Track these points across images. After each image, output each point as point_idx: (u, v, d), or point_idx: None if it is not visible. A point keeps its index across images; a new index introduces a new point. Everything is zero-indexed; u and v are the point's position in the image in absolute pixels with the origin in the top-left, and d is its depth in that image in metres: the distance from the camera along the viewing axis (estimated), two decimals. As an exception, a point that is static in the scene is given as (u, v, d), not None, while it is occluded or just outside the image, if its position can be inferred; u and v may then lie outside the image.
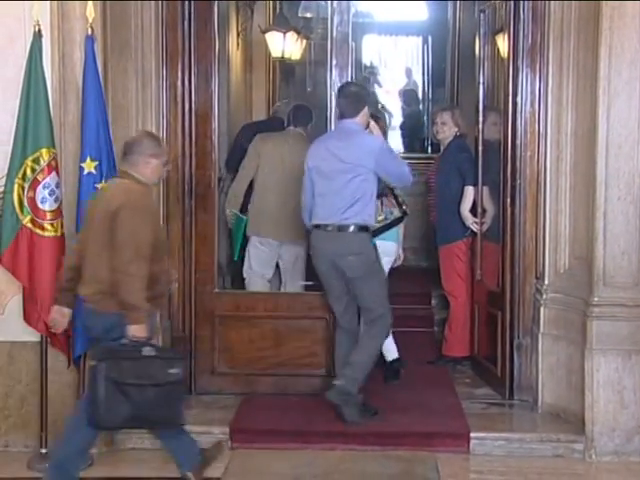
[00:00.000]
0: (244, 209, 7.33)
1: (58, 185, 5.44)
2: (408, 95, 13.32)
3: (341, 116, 6.04)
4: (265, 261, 7.27)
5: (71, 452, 4.85)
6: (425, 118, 12.57)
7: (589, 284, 5.67)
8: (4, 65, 5.58)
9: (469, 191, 6.98)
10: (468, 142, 7.31)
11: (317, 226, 5.98)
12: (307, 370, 6.44)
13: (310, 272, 7.25)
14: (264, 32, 9.93)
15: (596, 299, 5.62)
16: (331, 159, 5.88)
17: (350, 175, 5.83)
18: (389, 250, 6.62)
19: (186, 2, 6.27)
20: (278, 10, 10.57)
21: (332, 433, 5.84)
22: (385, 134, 6.60)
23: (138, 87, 5.98)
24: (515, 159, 6.27)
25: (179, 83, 6.31)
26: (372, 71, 14.94)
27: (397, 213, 6.61)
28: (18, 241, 5.39)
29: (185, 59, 6.31)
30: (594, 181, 5.61)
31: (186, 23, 6.28)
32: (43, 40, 5.40)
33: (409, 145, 12.06)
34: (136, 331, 4.64)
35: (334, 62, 6.36)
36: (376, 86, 14.65)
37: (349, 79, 6.37)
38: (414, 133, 12.22)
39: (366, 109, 6.01)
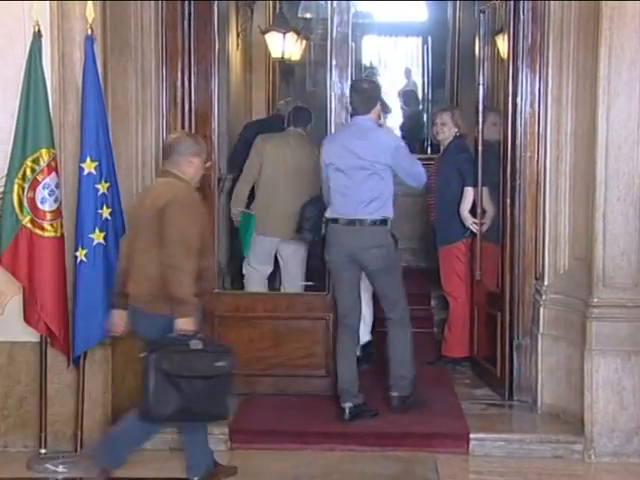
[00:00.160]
0: (247, 208, 7.37)
1: (58, 185, 5.44)
2: (408, 96, 13.34)
3: (354, 112, 6.10)
4: (264, 257, 7.29)
5: (126, 442, 5.04)
6: (425, 119, 12.58)
7: (589, 285, 5.66)
8: (4, 65, 5.58)
9: (469, 192, 6.98)
10: (468, 143, 7.31)
11: (335, 220, 6.03)
12: (306, 370, 6.43)
13: (310, 272, 7.27)
14: (264, 32, 9.93)
15: (596, 300, 5.62)
16: (348, 156, 5.95)
17: (368, 172, 5.92)
18: None
19: (186, 2, 6.27)
20: (278, 10, 10.57)
21: (331, 434, 5.84)
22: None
23: (138, 87, 5.98)
24: (515, 160, 6.27)
25: (179, 83, 6.30)
26: (372, 72, 14.93)
27: None
28: (18, 241, 5.38)
29: (185, 59, 6.30)
30: (594, 182, 5.61)
31: (186, 23, 6.27)
32: (43, 40, 5.40)
33: (409, 146, 12.04)
34: (184, 324, 4.77)
35: (334, 63, 6.36)
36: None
37: (349, 80, 6.37)
38: (414, 134, 12.22)
39: (378, 105, 6.12)
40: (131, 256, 4.99)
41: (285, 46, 9.89)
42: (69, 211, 5.49)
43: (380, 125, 6.30)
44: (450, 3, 11.22)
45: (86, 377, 5.56)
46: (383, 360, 6.62)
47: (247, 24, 10.08)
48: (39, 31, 5.37)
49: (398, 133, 12.23)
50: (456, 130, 7.20)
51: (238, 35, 9.66)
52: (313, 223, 6.54)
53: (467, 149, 7.21)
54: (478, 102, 6.92)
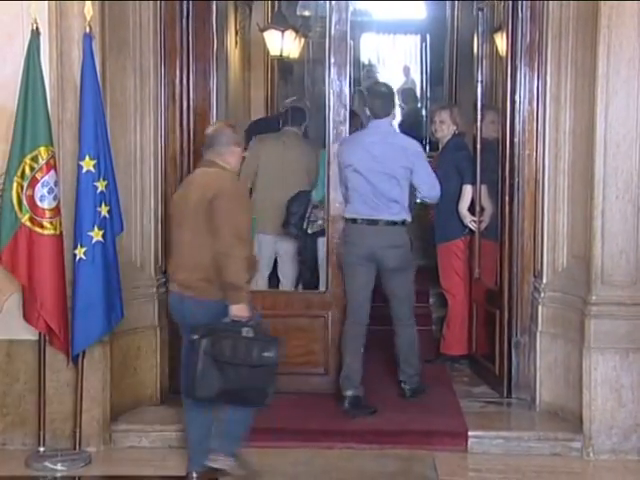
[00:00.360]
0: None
1: (57, 183, 5.44)
2: (406, 94, 13.33)
3: (374, 116, 6.24)
4: (266, 255, 7.29)
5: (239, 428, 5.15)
6: (423, 116, 12.58)
7: (587, 283, 5.67)
8: (2, 63, 5.56)
9: (467, 189, 6.98)
10: (466, 140, 7.32)
11: (354, 220, 6.16)
12: (305, 368, 6.43)
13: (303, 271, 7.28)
14: (262, 30, 9.93)
15: (594, 298, 5.63)
16: (367, 158, 6.09)
17: (387, 175, 6.08)
18: None
19: (184, 1, 6.27)
20: (276, 8, 10.57)
21: (330, 431, 5.84)
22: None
23: (136, 85, 5.97)
24: (513, 157, 6.27)
25: (177, 81, 6.30)
26: (370, 69, 14.94)
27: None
28: (17, 239, 5.38)
29: (183, 57, 6.30)
30: (592, 180, 5.61)
31: (184, 21, 6.27)
32: (41, 38, 5.40)
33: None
34: (239, 311, 4.89)
35: (332, 60, 6.35)
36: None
37: (347, 77, 6.37)
38: (412, 131, 12.21)
39: (394, 110, 6.37)
40: (178, 246, 5.12)
41: (283, 44, 9.89)
42: (68, 209, 5.48)
43: None
44: (449, 1, 11.21)
45: (85, 375, 5.55)
46: (385, 358, 6.67)
47: (245, 22, 10.08)
48: (37, 29, 5.37)
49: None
50: (455, 128, 7.20)
51: (237, 33, 9.66)
52: (299, 218, 6.66)
53: (466, 147, 7.21)
54: (477, 100, 6.92)
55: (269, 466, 5.47)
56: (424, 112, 12.78)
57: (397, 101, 13.10)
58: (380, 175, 6.07)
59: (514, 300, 6.33)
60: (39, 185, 5.38)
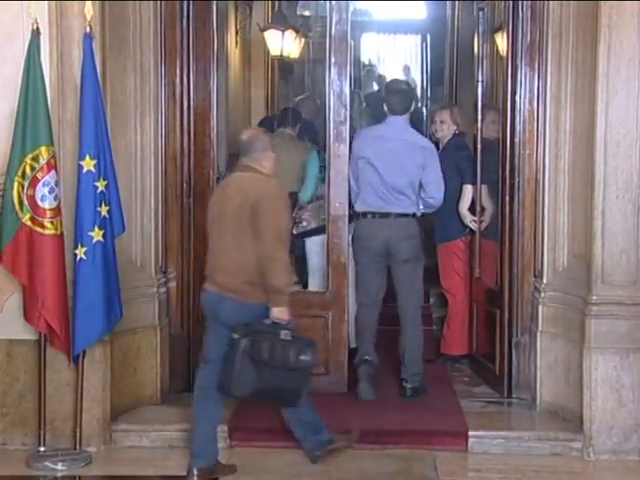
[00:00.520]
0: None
1: (57, 183, 5.44)
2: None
3: (392, 112, 6.36)
4: None
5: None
6: (424, 116, 12.58)
7: (587, 282, 5.67)
8: (2, 63, 5.57)
9: (468, 189, 6.98)
10: (467, 140, 7.31)
11: (366, 214, 6.32)
12: (305, 368, 6.43)
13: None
14: (263, 30, 9.93)
15: (594, 297, 5.62)
16: (383, 152, 6.25)
17: (401, 170, 6.23)
18: None
19: (185, 0, 6.27)
20: (277, 8, 10.57)
21: (330, 431, 5.83)
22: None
23: (137, 85, 5.97)
24: (514, 157, 6.27)
25: (177, 81, 6.30)
26: (371, 69, 14.95)
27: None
28: (18, 239, 5.38)
29: (184, 57, 6.31)
30: (592, 179, 5.61)
31: (185, 21, 6.28)
32: (41, 38, 5.40)
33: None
34: (280, 313, 5.03)
35: (333, 60, 6.35)
36: (374, 84, 14.66)
37: (348, 77, 6.37)
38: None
39: (412, 107, 6.54)
40: (217, 248, 5.19)
41: (284, 44, 9.90)
42: (68, 209, 5.48)
43: None
44: (449, 1, 11.21)
45: (85, 374, 5.55)
46: (385, 358, 6.67)
47: (246, 22, 10.09)
48: (38, 29, 5.37)
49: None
50: (455, 128, 7.19)
51: (237, 33, 9.66)
52: None
53: (466, 147, 7.21)
54: (477, 100, 6.92)
55: (269, 466, 5.48)
56: (424, 112, 12.78)
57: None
58: (394, 170, 6.22)
59: (514, 300, 6.33)
60: (40, 185, 5.38)
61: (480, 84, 6.90)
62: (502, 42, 6.67)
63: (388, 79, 11.39)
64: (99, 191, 5.40)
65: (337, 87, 6.33)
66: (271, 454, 5.62)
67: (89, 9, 5.36)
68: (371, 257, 6.34)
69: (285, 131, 7.56)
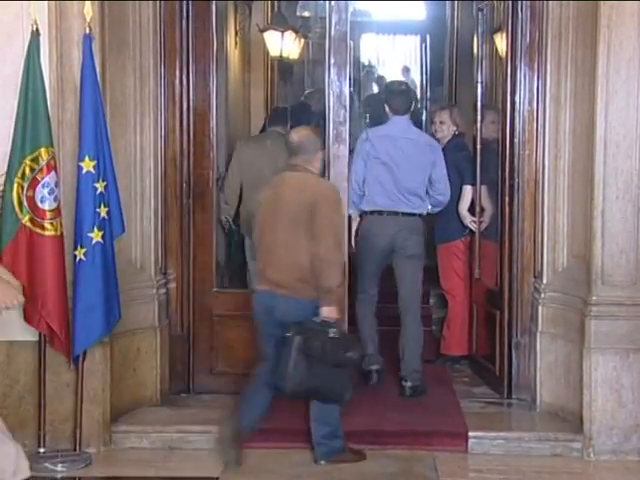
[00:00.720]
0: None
1: (57, 184, 5.43)
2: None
3: (394, 112, 6.50)
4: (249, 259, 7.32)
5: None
6: (423, 117, 12.58)
7: (587, 283, 5.67)
8: (2, 64, 5.56)
9: (467, 190, 6.98)
10: (466, 141, 7.31)
11: (373, 212, 6.45)
12: (306, 369, 6.43)
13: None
14: (262, 31, 9.92)
15: (594, 298, 5.62)
16: (396, 152, 6.38)
17: (414, 170, 6.37)
18: None
19: (184, 1, 6.27)
20: (276, 9, 10.56)
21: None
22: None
23: (136, 85, 5.97)
24: (513, 158, 6.27)
25: (177, 81, 6.31)
26: (370, 70, 14.95)
27: None
28: (18, 240, 5.37)
29: (183, 58, 6.31)
30: (592, 180, 5.61)
31: (184, 22, 6.28)
32: (41, 39, 5.39)
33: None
34: (329, 312, 5.14)
35: (332, 61, 6.34)
36: (374, 85, 14.66)
37: (347, 78, 6.37)
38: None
39: (412, 107, 6.73)
40: (269, 246, 5.23)
41: (283, 45, 9.89)
42: (68, 210, 5.48)
43: None
44: (448, 2, 11.21)
45: (85, 376, 5.55)
46: (386, 358, 6.66)
47: (245, 23, 10.07)
48: (37, 30, 5.36)
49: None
50: (455, 128, 7.20)
51: (236, 34, 9.65)
52: None
53: (466, 147, 7.21)
54: (476, 100, 6.93)
55: (269, 466, 5.48)
56: (424, 113, 12.78)
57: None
58: (407, 170, 6.36)
59: (514, 300, 6.33)
60: (40, 186, 5.37)
61: (479, 84, 6.91)
62: (501, 42, 6.67)
63: (388, 80, 11.41)
64: (99, 192, 5.40)
65: (336, 88, 6.32)
66: (271, 454, 5.61)
67: (88, 10, 5.37)
68: (374, 253, 6.43)
69: (274, 130, 7.50)
